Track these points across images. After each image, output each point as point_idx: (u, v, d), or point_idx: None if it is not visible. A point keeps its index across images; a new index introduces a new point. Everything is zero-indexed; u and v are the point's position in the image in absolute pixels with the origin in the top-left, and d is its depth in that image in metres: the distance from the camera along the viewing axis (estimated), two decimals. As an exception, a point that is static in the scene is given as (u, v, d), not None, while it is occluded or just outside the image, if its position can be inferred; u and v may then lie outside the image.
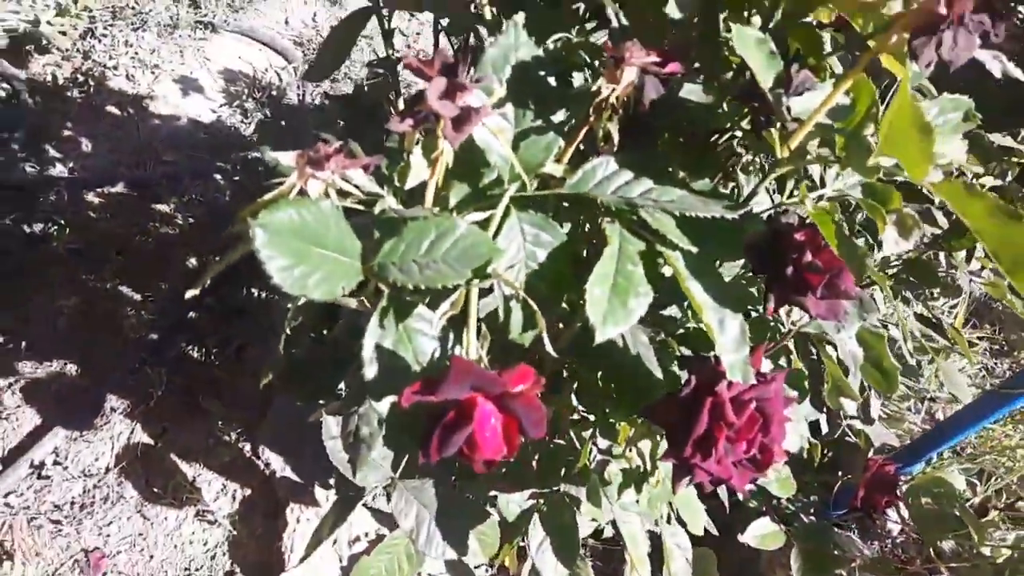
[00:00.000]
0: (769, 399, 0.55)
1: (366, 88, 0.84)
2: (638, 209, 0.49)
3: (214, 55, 2.04)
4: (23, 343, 1.45)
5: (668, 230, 0.52)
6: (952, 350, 1.22)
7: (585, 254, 0.68)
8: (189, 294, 0.55)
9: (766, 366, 0.83)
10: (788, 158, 0.50)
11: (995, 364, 1.82)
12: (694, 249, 0.53)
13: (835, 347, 0.79)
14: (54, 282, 1.55)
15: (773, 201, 0.69)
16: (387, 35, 0.85)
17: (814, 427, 1.21)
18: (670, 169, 0.54)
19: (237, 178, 1.77)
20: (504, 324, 0.53)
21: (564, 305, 0.63)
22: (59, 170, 1.74)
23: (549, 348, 0.50)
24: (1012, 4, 0.40)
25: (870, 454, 1.22)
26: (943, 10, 0.40)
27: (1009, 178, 1.05)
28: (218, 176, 1.79)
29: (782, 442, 0.57)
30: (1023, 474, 1.49)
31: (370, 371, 0.46)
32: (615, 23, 0.56)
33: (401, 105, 0.96)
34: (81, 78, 1.90)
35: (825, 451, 1.27)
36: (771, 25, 0.52)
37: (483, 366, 0.48)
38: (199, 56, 2.02)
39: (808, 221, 0.58)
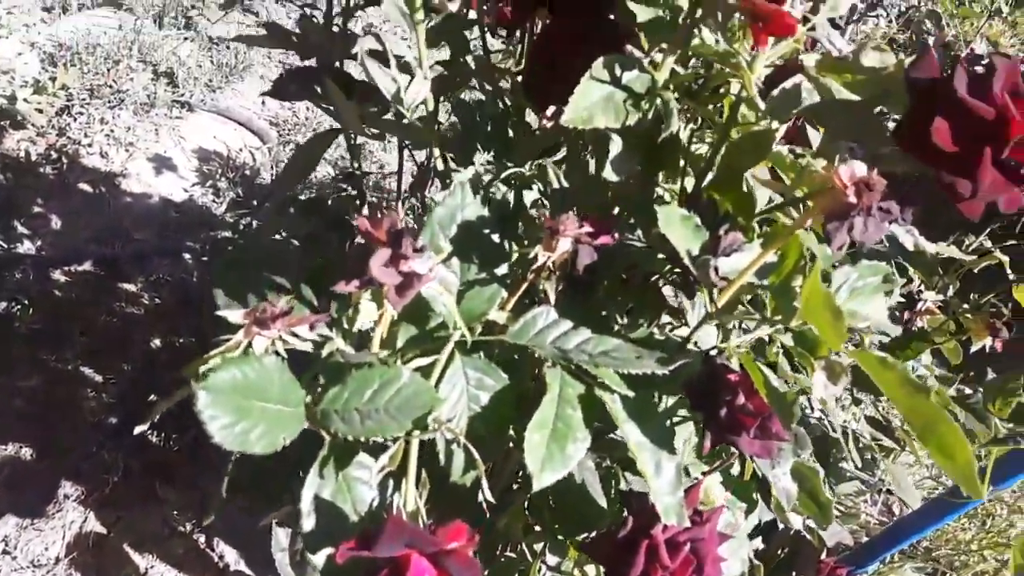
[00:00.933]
0: (704, 540, 0.57)
1: (330, 203, 0.86)
2: (573, 361, 0.52)
3: (189, 134, 2.07)
4: (-22, 426, 1.43)
5: (605, 375, 0.54)
6: (903, 450, 1.24)
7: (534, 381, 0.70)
8: (138, 430, 0.57)
9: (715, 479, 0.85)
10: (717, 312, 0.53)
11: (951, 455, 1.84)
12: (630, 394, 0.55)
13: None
14: (14, 362, 1.54)
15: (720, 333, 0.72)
16: (353, 152, 0.88)
17: (770, 526, 1.22)
18: (608, 313, 0.57)
19: (206, 258, 1.78)
20: (445, 466, 0.55)
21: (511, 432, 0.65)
22: (27, 247, 1.74)
23: (488, 495, 0.51)
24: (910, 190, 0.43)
25: (823, 555, 1.23)
26: (853, 199, 0.44)
27: (951, 292, 1.09)
28: (187, 256, 1.80)
29: (717, 580, 0.58)
30: (978, 570, 1.50)
31: (308, 523, 0.47)
32: (556, 184, 0.60)
33: (366, 211, 0.99)
34: (55, 155, 1.92)
35: (780, 549, 1.28)
36: (705, 183, 0.55)
37: (421, 518, 0.49)
38: (174, 135, 2.05)
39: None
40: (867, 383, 1.11)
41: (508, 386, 0.55)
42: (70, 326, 1.62)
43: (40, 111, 1.98)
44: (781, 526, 1.27)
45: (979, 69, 0.47)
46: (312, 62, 0.80)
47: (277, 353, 0.49)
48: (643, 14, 0.52)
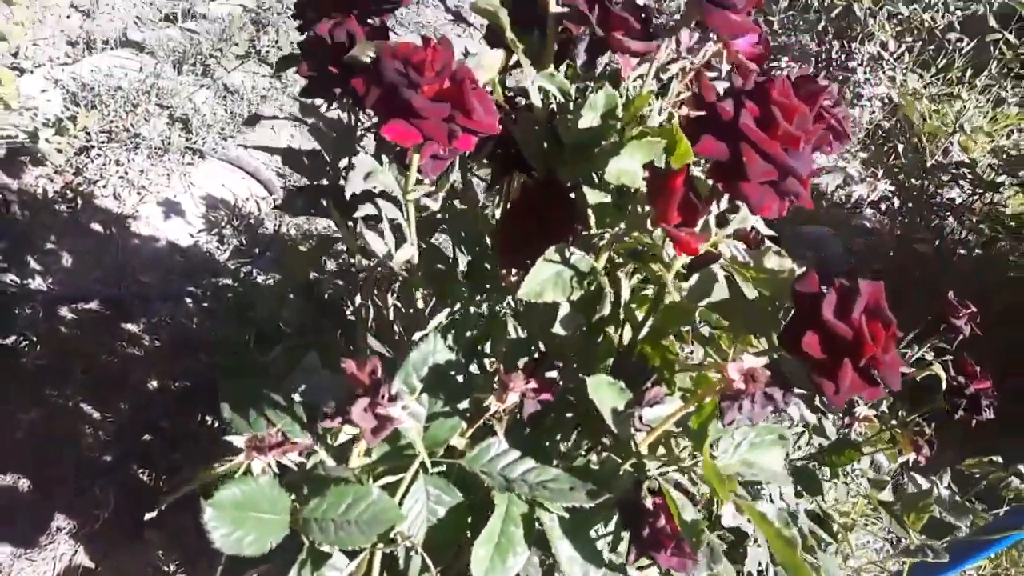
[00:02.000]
0: (620, 641, 0.67)
1: (327, 296, 0.97)
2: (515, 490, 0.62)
3: (199, 180, 2.18)
4: (-22, 456, 1.52)
5: (544, 500, 0.65)
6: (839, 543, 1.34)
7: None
8: (147, 517, 0.66)
9: (653, 571, 0.95)
10: (639, 454, 0.63)
11: (898, 539, 1.94)
12: (566, 515, 0.66)
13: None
14: (17, 396, 1.63)
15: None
16: (350, 251, 0.98)
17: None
18: (551, 443, 0.67)
19: (206, 304, 1.89)
20: (404, 568, 0.64)
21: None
22: (39, 283, 1.84)
23: (437, 595, 0.61)
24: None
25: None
26: (742, 386, 0.54)
27: (884, 407, 1.19)
28: (188, 300, 1.90)
29: (632, 677, 0.68)
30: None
31: (285, 617, 0.57)
32: (513, 335, 0.70)
33: (359, 300, 1.09)
34: (70, 194, 2.03)
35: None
36: (641, 336, 0.66)
37: (379, 616, 0.59)
38: (185, 180, 2.16)
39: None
40: (807, 485, 1.21)
41: (462, 502, 0.65)
42: (73, 363, 1.71)
43: (60, 151, 2.09)
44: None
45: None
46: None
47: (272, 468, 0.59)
48: (592, 197, 0.64)
